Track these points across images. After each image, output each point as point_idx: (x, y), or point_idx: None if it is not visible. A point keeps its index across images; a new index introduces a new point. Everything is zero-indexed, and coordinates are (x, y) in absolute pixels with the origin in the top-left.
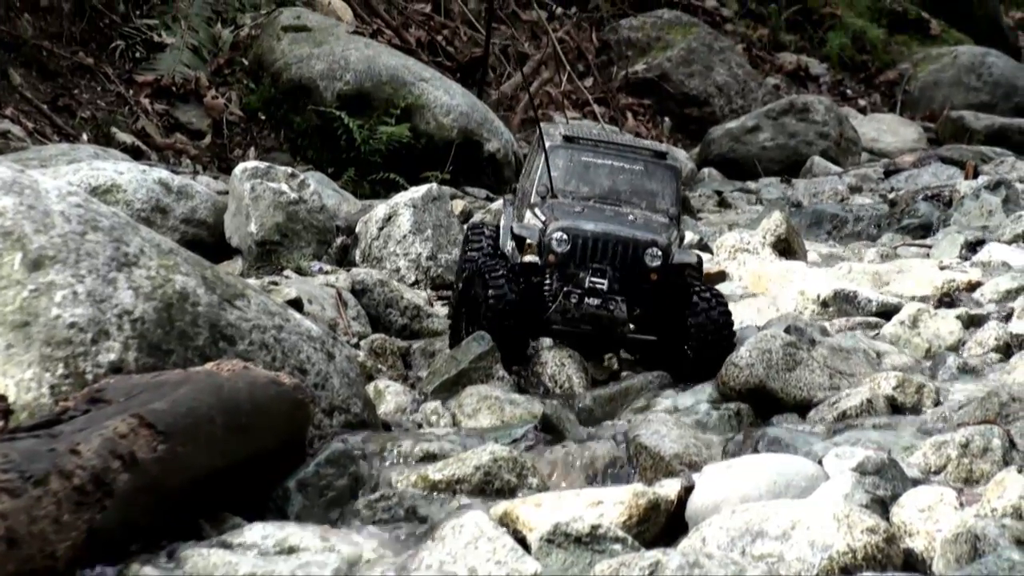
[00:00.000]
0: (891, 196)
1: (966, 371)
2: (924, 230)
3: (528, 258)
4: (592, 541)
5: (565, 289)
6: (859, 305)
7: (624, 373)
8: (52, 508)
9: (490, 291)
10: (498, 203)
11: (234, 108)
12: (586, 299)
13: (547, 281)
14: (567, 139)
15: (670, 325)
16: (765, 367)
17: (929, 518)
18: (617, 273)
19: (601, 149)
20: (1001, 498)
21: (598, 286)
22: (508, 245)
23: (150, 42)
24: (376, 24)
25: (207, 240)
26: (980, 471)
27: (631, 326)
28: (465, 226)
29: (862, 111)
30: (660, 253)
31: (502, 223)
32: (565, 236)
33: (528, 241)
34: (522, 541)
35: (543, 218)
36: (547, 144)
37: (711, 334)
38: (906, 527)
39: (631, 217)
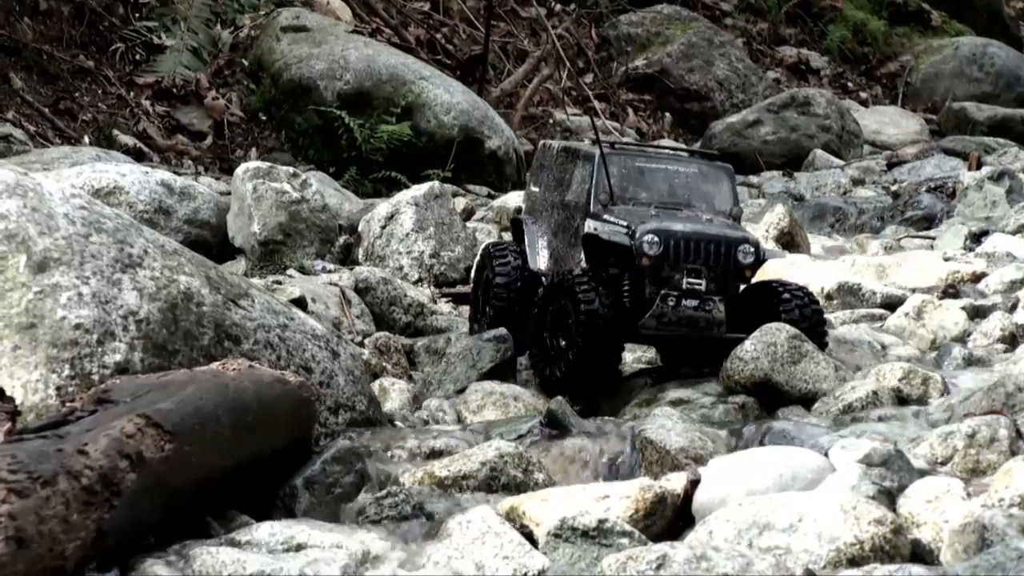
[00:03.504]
0: (894, 188)
1: (972, 362)
2: (928, 222)
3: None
4: (599, 535)
5: (663, 292)
6: (863, 297)
7: (629, 368)
8: (61, 508)
9: (581, 304)
10: (500, 201)
11: (235, 109)
12: (683, 301)
13: (626, 285)
14: (611, 145)
15: (759, 323)
16: (770, 360)
17: (936, 509)
18: (712, 273)
19: (652, 154)
20: (1008, 488)
21: (696, 287)
22: (541, 262)
23: (150, 44)
24: (375, 23)
25: (210, 241)
26: (987, 461)
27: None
28: (484, 245)
29: (864, 104)
30: (753, 250)
31: (527, 240)
32: (656, 238)
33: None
34: (529, 536)
35: (624, 222)
36: (599, 153)
37: (804, 331)
38: (913, 518)
39: (706, 218)
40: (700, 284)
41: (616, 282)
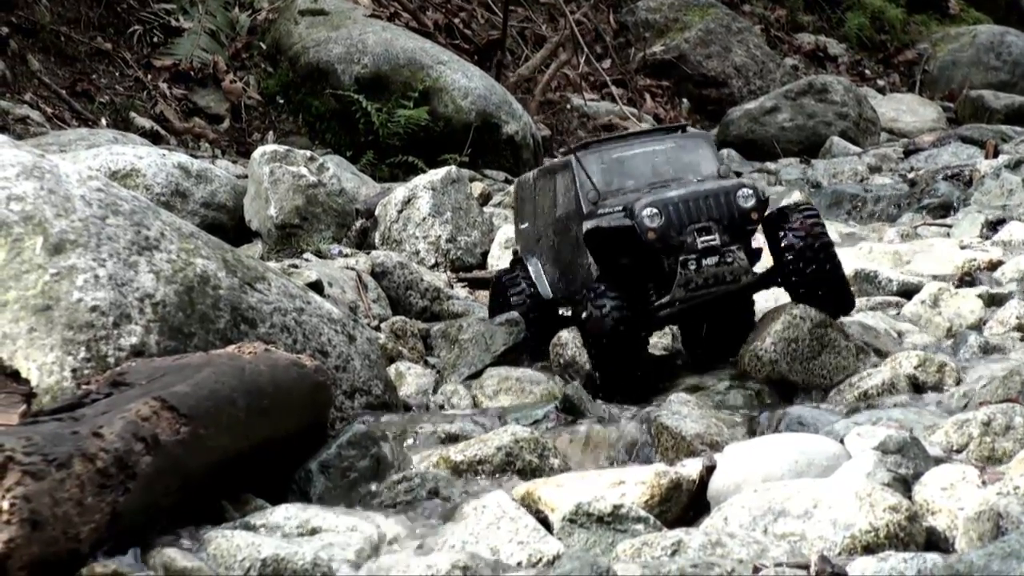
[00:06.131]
0: (911, 176)
1: (987, 350)
2: (944, 210)
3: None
4: (614, 521)
5: (681, 259)
6: (880, 285)
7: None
8: (75, 491)
9: (585, 314)
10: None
11: (252, 92)
12: (703, 260)
13: (643, 270)
14: (584, 145)
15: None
16: (788, 361)
17: (951, 496)
18: (720, 225)
19: (627, 141)
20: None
21: (711, 243)
22: (552, 290)
23: (168, 27)
24: (393, 7)
25: (227, 224)
26: (1002, 449)
27: (754, 272)
28: (496, 272)
29: (881, 91)
30: (751, 192)
31: (533, 275)
32: (655, 209)
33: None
34: (544, 521)
35: (620, 207)
36: (576, 154)
37: (807, 251)
38: (928, 505)
39: (696, 180)
40: (714, 239)
41: (632, 272)
